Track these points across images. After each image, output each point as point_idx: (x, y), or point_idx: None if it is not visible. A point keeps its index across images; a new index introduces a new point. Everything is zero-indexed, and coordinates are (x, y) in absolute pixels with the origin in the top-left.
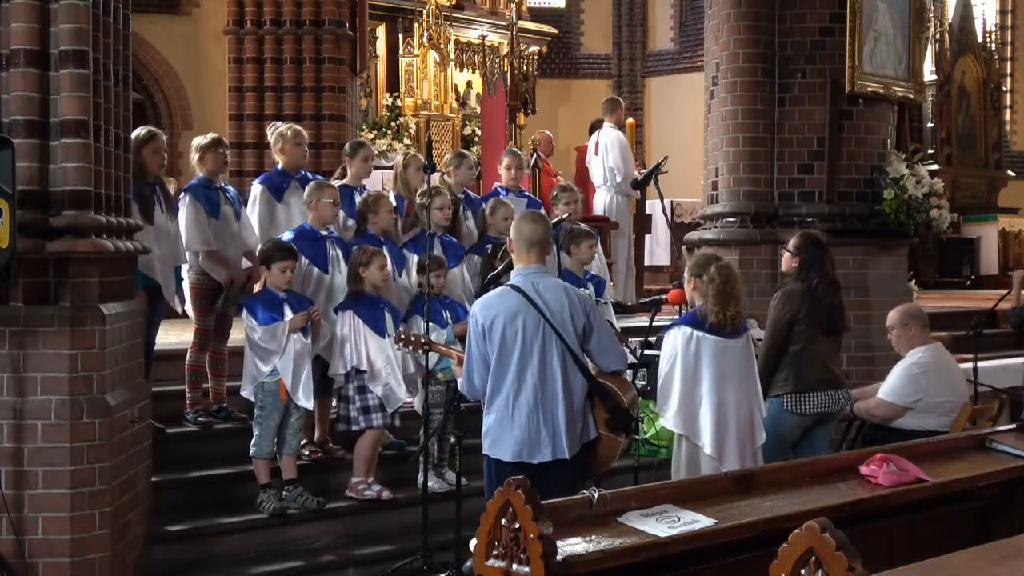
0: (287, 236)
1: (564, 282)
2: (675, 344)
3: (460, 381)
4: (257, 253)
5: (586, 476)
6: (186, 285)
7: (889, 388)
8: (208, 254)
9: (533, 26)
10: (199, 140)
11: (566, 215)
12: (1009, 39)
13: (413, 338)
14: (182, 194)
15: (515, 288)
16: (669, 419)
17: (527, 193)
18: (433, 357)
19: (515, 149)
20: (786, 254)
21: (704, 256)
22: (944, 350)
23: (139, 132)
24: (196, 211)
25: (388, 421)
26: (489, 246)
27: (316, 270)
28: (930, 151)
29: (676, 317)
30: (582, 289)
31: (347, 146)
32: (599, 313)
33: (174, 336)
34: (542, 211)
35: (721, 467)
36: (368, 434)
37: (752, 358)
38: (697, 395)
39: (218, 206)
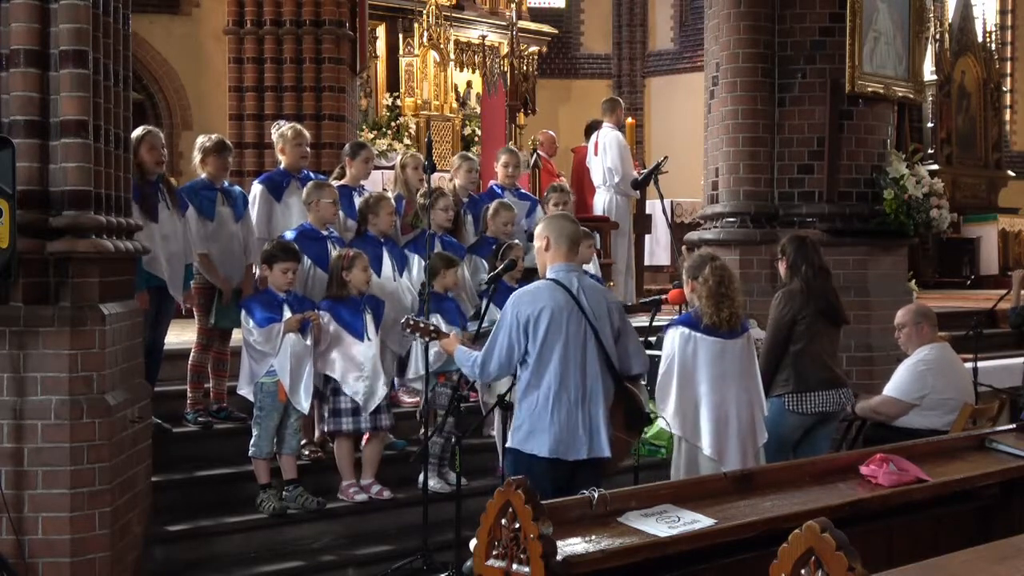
0: (288, 235)
1: (599, 284)
2: (672, 345)
3: (458, 359)
4: (260, 253)
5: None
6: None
7: (895, 385)
8: (199, 258)
9: (533, 26)
10: (203, 141)
11: None
12: (1009, 39)
13: (422, 325)
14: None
15: (559, 284)
16: (667, 420)
17: (524, 192)
18: (434, 359)
19: (512, 147)
20: (778, 262)
21: (700, 257)
22: (950, 349)
23: (136, 131)
24: (189, 212)
25: (366, 424)
26: (493, 247)
27: (317, 270)
28: (930, 151)
29: (676, 317)
30: None
31: (347, 147)
32: (626, 317)
33: (174, 336)
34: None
35: (722, 468)
36: (340, 440)
37: (754, 358)
38: (695, 396)
39: (213, 207)
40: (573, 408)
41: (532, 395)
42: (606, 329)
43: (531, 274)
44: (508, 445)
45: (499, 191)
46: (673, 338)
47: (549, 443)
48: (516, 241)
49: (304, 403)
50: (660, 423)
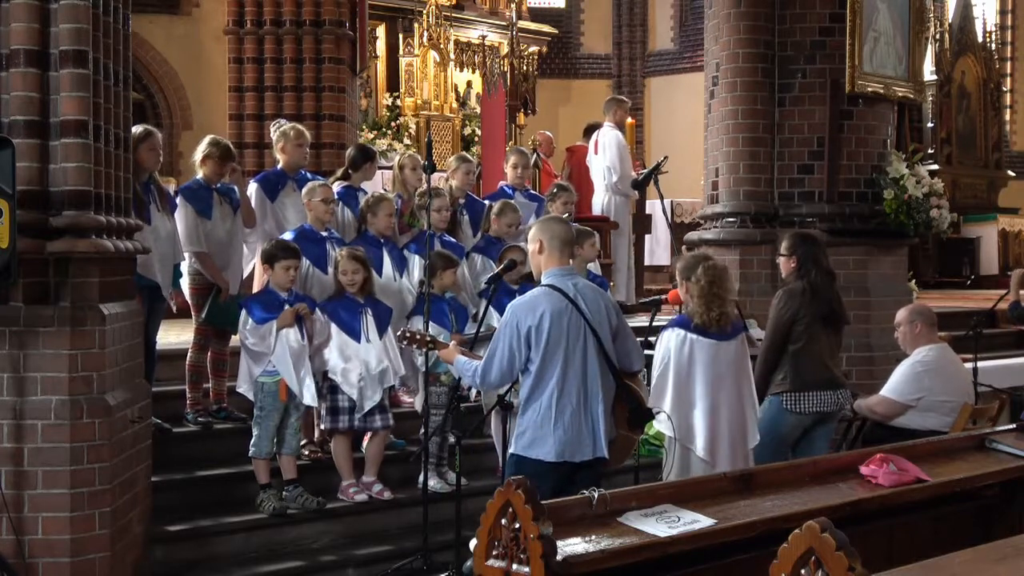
0: (288, 236)
1: (594, 284)
2: (668, 347)
3: (458, 368)
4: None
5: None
6: (186, 285)
7: (892, 386)
8: (198, 257)
9: (533, 26)
10: (208, 142)
11: (566, 215)
12: (1009, 39)
13: (419, 336)
14: (177, 195)
15: (556, 289)
16: (662, 422)
17: (533, 192)
18: (433, 357)
19: (521, 148)
20: (781, 258)
21: (693, 258)
22: (949, 350)
23: (135, 130)
24: (186, 212)
25: (362, 423)
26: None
27: (316, 271)
28: (930, 151)
29: (671, 319)
30: None
31: (356, 152)
32: (622, 315)
33: (174, 336)
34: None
35: (713, 470)
36: (338, 438)
37: (747, 359)
38: (691, 398)
39: (210, 207)
40: (576, 411)
41: (536, 401)
42: (605, 329)
43: (532, 278)
44: (511, 451)
45: (510, 192)
46: (668, 340)
47: (555, 447)
48: (517, 243)
49: (308, 397)
50: (656, 425)
